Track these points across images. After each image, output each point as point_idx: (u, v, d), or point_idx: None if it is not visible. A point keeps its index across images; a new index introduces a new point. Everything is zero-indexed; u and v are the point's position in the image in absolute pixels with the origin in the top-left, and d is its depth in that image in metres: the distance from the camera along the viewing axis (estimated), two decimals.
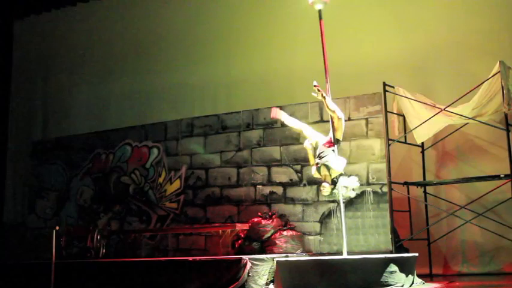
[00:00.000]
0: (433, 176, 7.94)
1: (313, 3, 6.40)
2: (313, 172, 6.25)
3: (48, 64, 11.62)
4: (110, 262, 7.58)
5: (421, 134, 7.41)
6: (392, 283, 5.56)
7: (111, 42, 10.93)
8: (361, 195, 7.74)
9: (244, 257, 6.39)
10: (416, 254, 6.17)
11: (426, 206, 7.71)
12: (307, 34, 8.75)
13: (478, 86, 6.90)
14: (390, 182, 7.26)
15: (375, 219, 7.60)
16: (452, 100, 7.07)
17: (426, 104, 7.41)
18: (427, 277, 6.98)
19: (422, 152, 7.91)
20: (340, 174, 6.13)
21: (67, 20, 11.44)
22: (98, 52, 11.03)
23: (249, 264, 6.27)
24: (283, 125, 8.47)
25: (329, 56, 6.39)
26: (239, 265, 6.24)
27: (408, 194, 7.65)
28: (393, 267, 5.61)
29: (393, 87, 7.62)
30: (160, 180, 9.47)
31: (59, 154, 10.59)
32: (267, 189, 8.49)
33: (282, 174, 8.38)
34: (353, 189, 6.59)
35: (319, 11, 6.43)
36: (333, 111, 6.19)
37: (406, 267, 5.76)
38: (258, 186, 8.56)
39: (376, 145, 7.78)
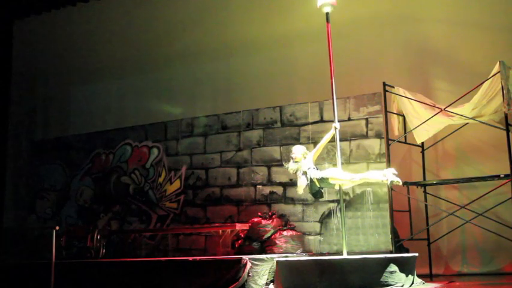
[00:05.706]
0: (433, 176, 7.94)
1: (322, 6, 6.40)
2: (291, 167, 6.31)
3: (48, 64, 11.62)
4: (110, 262, 7.57)
5: (421, 134, 7.39)
6: (392, 283, 5.56)
7: (111, 42, 10.92)
8: (361, 195, 7.75)
9: (244, 257, 6.38)
10: (416, 254, 6.17)
11: (426, 206, 7.70)
12: (308, 34, 8.80)
13: (478, 86, 6.90)
14: None
15: (375, 219, 7.60)
16: (452, 100, 7.07)
17: (426, 104, 7.40)
18: (427, 277, 6.98)
19: (422, 152, 7.90)
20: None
21: (67, 20, 11.43)
22: (98, 52, 11.02)
23: (249, 264, 6.27)
24: (283, 124, 8.52)
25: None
26: (239, 265, 6.23)
27: (408, 194, 7.64)
28: (393, 267, 5.61)
29: (393, 87, 7.61)
30: (160, 180, 9.47)
31: (59, 154, 10.59)
32: (267, 189, 8.49)
33: (282, 174, 8.37)
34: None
35: (327, 13, 6.43)
36: None
37: (406, 267, 5.76)
38: (258, 186, 8.56)
39: (376, 145, 7.78)
